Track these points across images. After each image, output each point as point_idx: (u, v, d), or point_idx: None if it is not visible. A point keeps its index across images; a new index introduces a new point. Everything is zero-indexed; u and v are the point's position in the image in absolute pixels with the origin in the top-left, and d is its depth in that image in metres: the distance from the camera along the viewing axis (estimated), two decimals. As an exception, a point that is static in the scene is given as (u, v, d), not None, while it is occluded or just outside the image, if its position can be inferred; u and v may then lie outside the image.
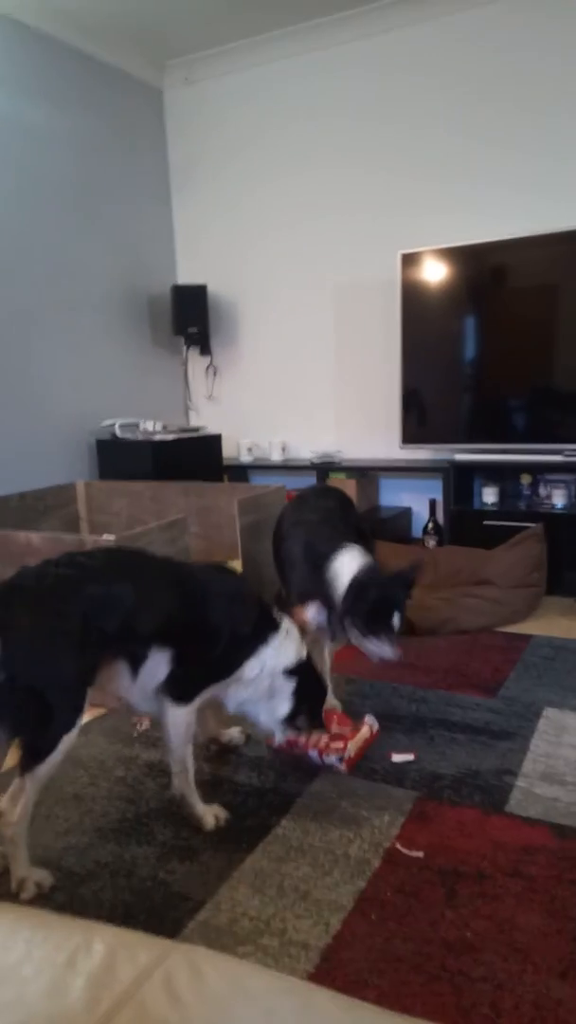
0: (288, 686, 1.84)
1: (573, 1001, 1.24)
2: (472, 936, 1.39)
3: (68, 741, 1.52)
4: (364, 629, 1.97)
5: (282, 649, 1.82)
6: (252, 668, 1.78)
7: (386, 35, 3.82)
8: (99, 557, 1.69)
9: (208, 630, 1.73)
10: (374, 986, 1.29)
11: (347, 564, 2.04)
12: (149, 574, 1.71)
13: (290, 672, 1.83)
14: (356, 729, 2.06)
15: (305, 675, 1.86)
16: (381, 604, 1.96)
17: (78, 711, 1.54)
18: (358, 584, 1.98)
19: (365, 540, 2.35)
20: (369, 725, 2.10)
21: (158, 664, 1.67)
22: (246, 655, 1.77)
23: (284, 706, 1.85)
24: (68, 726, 1.52)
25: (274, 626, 1.84)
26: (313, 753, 1.98)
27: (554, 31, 3.47)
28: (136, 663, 1.65)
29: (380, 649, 1.98)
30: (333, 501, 2.46)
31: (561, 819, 1.73)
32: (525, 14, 3.51)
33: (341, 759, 1.95)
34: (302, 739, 1.99)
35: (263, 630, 1.81)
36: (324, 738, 1.99)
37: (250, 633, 1.78)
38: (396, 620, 1.97)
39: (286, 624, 1.87)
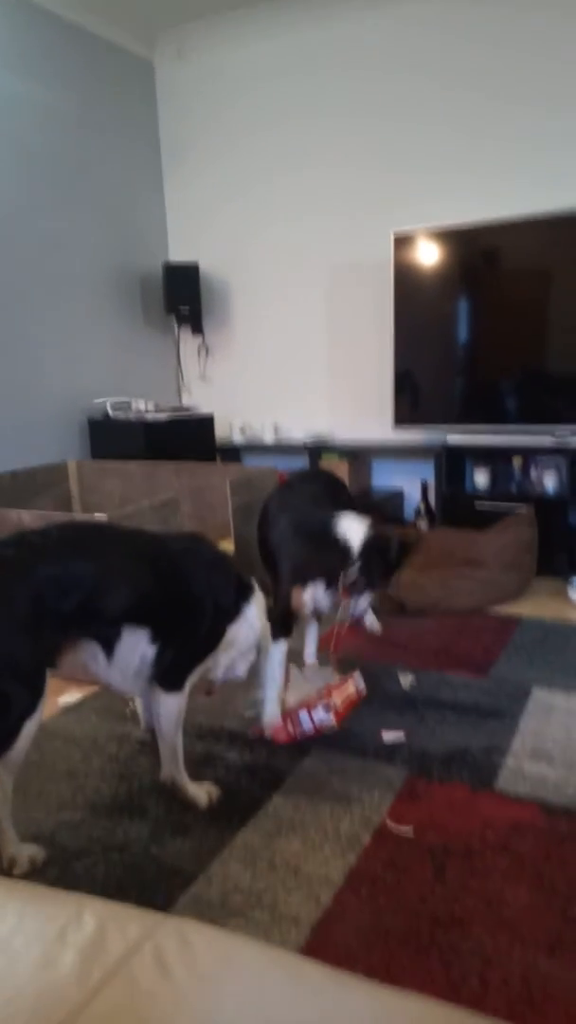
0: (255, 640, 1.88)
1: (560, 975, 1.25)
2: (461, 911, 1.41)
3: (32, 725, 1.46)
4: (368, 583, 2.06)
5: (263, 605, 1.86)
6: (237, 631, 1.79)
7: (384, 8, 3.75)
8: (52, 535, 1.59)
9: (190, 605, 1.68)
10: (364, 960, 1.30)
11: (355, 525, 2.07)
12: (113, 549, 1.63)
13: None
14: (341, 682, 2.08)
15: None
16: (397, 560, 2.05)
17: (37, 695, 1.47)
18: (375, 540, 2.03)
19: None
20: (355, 682, 2.12)
21: (135, 644, 1.62)
22: (229, 621, 1.77)
23: (249, 658, 1.90)
24: (29, 711, 1.45)
25: (249, 586, 1.85)
26: (303, 716, 1.97)
27: (550, 15, 3.41)
28: (108, 644, 1.60)
29: (363, 603, 2.11)
30: (320, 485, 2.43)
31: (549, 796, 1.75)
32: (524, -12, 3.46)
33: (328, 707, 1.96)
34: (289, 707, 2.01)
35: (243, 592, 1.82)
36: (312, 696, 2.02)
37: (232, 600, 1.78)
38: (389, 584, 2.12)
39: (254, 583, 1.89)
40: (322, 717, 1.97)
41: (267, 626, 1.92)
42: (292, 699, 2.08)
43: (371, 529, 2.07)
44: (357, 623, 2.19)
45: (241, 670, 1.90)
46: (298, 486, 2.42)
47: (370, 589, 2.13)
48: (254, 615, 1.83)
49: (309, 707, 1.98)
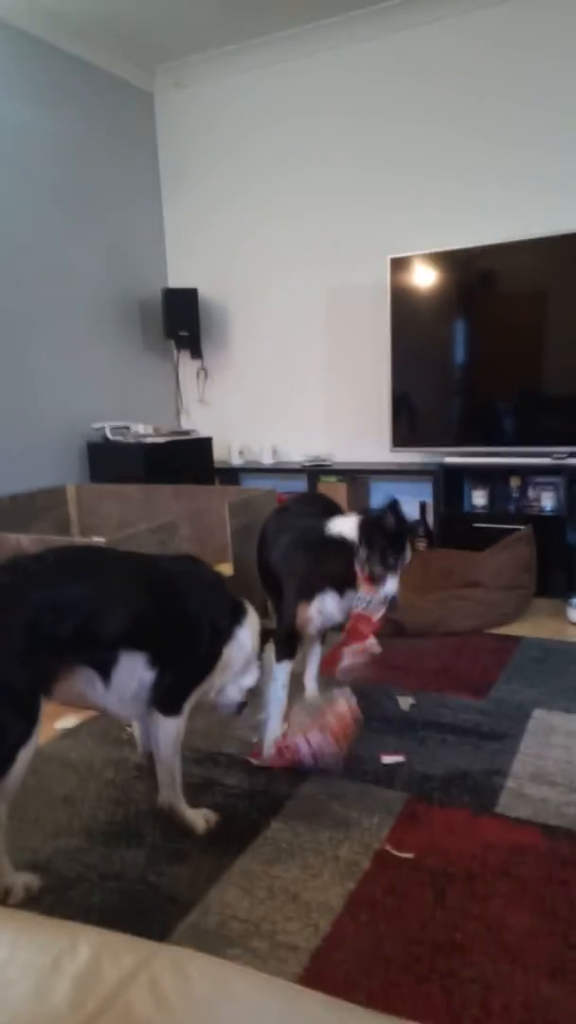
0: (252, 658, 1.85)
1: (562, 1001, 1.24)
2: (462, 937, 1.39)
3: (27, 753, 1.44)
4: (381, 564, 2.00)
5: (254, 626, 1.84)
6: (232, 652, 1.78)
7: (375, 41, 3.84)
8: (48, 559, 1.57)
9: (186, 627, 1.67)
10: (363, 988, 1.28)
11: (345, 520, 2.08)
12: (109, 573, 1.61)
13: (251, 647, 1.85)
14: (332, 702, 2.02)
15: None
16: (397, 535, 2.00)
17: (31, 723, 1.45)
18: (369, 520, 2.02)
19: None
20: (347, 699, 2.03)
21: (133, 669, 1.60)
22: (225, 643, 1.76)
23: (250, 677, 1.88)
24: (23, 739, 1.43)
25: (242, 606, 1.85)
26: (301, 742, 1.93)
27: (541, 38, 3.49)
28: (105, 669, 1.57)
29: (391, 585, 2.02)
30: (317, 507, 2.41)
31: (550, 819, 1.73)
32: (513, 21, 3.53)
33: (324, 728, 1.93)
34: (285, 734, 1.98)
35: (236, 613, 1.81)
36: (305, 724, 1.98)
37: (227, 622, 1.77)
38: (408, 553, 2.03)
39: (246, 603, 1.88)
40: (320, 744, 1.93)
41: (267, 647, 1.91)
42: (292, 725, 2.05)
43: (362, 514, 2.07)
44: (391, 607, 2.08)
45: (233, 695, 1.87)
46: (295, 508, 2.42)
47: (389, 568, 2.03)
48: (246, 636, 1.82)
49: (305, 732, 1.95)
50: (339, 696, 2.06)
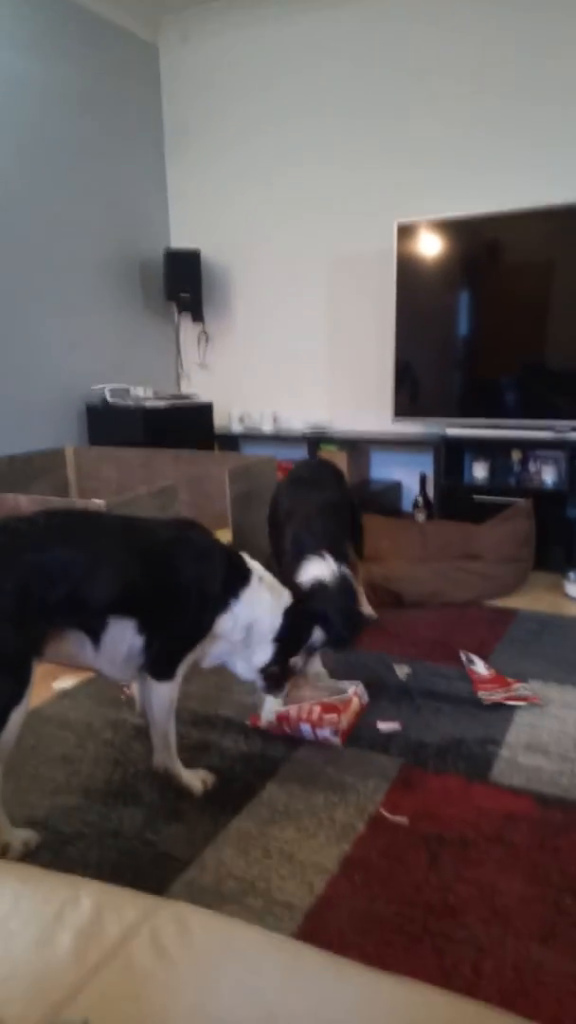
0: (267, 635, 1.80)
1: (552, 964, 1.26)
2: (455, 900, 1.41)
3: (18, 715, 1.45)
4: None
5: (256, 599, 1.77)
6: (225, 623, 1.74)
7: (390, -5, 3.72)
8: (40, 522, 1.56)
9: (177, 593, 1.65)
10: (357, 946, 1.30)
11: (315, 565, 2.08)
12: (101, 537, 1.60)
13: (271, 624, 1.80)
14: (347, 701, 2.03)
15: (288, 621, 1.82)
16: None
17: (23, 684, 1.45)
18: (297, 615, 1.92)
19: (352, 530, 2.39)
20: (358, 696, 2.09)
21: (122, 634, 1.60)
22: (217, 612, 1.72)
23: (262, 655, 1.82)
24: (15, 699, 1.44)
25: (245, 577, 1.78)
26: (306, 728, 1.95)
27: (549, 12, 3.39)
28: (95, 634, 1.57)
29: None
30: (328, 486, 2.54)
31: (544, 788, 1.75)
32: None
33: (335, 731, 1.92)
34: (292, 713, 1.96)
35: (233, 584, 1.76)
36: (317, 710, 1.96)
37: (220, 590, 1.72)
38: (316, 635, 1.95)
39: (257, 571, 1.82)
40: (327, 737, 1.93)
41: (280, 594, 1.85)
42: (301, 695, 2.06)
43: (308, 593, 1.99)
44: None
45: (244, 672, 1.85)
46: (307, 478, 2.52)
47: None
48: (245, 608, 1.75)
49: (314, 723, 1.94)
50: (352, 693, 2.07)
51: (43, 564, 1.48)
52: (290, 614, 1.82)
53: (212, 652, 1.80)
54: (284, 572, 2.15)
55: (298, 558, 2.13)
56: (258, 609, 1.78)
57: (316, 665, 2.23)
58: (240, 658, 1.83)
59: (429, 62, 3.71)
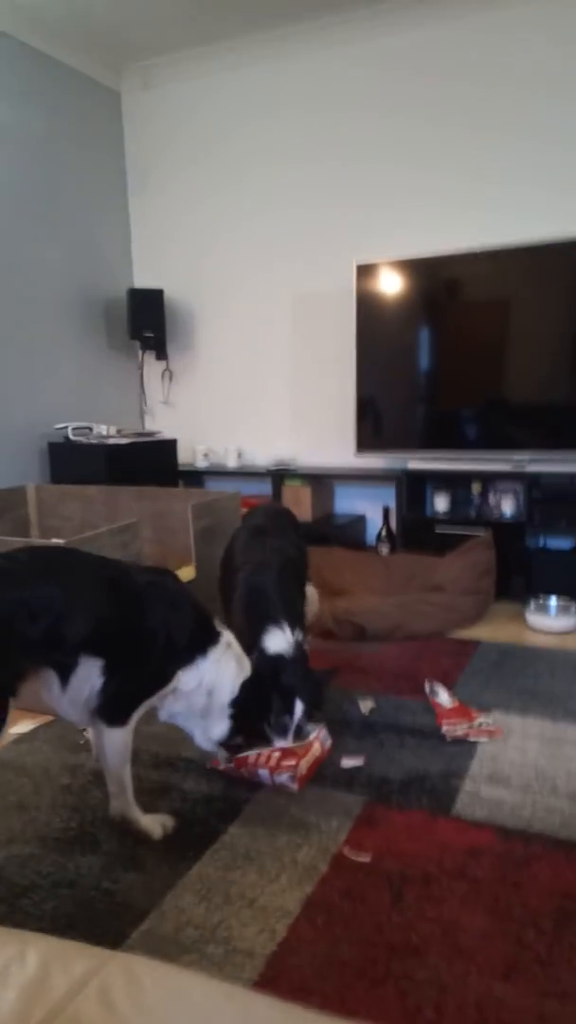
0: (226, 708, 1.79)
1: (515, 1001, 1.25)
2: (417, 939, 1.40)
3: None
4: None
5: (222, 664, 1.77)
6: (188, 680, 1.72)
7: (347, 46, 3.87)
8: (21, 559, 1.57)
9: (142, 638, 1.64)
10: (319, 991, 1.28)
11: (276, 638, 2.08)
12: (80, 576, 1.60)
13: (231, 694, 1.79)
14: (307, 746, 1.99)
15: (247, 696, 1.82)
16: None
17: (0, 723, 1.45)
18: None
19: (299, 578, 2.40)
20: (321, 741, 2.05)
21: (89, 673, 1.58)
22: (181, 665, 1.70)
23: (220, 727, 1.82)
24: None
25: (214, 638, 1.79)
26: (263, 773, 1.91)
27: (510, 51, 3.55)
28: (65, 673, 1.56)
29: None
30: (287, 538, 2.53)
31: (506, 821, 1.75)
32: (483, 33, 3.59)
33: (293, 777, 1.89)
34: (251, 758, 1.93)
35: (201, 640, 1.75)
36: (276, 756, 1.93)
37: (187, 642, 1.71)
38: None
39: (226, 637, 1.83)
40: (284, 782, 1.89)
41: (243, 664, 1.85)
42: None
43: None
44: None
45: (201, 742, 1.84)
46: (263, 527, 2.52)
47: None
48: (210, 669, 1.74)
49: (272, 769, 1.90)
50: (314, 737, 2.02)
51: (26, 600, 1.48)
52: (247, 688, 1.82)
53: (170, 708, 1.78)
54: (237, 629, 2.13)
55: (256, 625, 2.10)
56: (223, 675, 1.78)
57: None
58: (198, 727, 1.82)
59: (386, 105, 3.85)
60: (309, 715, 2.01)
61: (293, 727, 1.97)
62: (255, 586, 2.24)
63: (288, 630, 2.09)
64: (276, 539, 2.48)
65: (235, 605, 2.26)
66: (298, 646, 2.08)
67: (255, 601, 2.19)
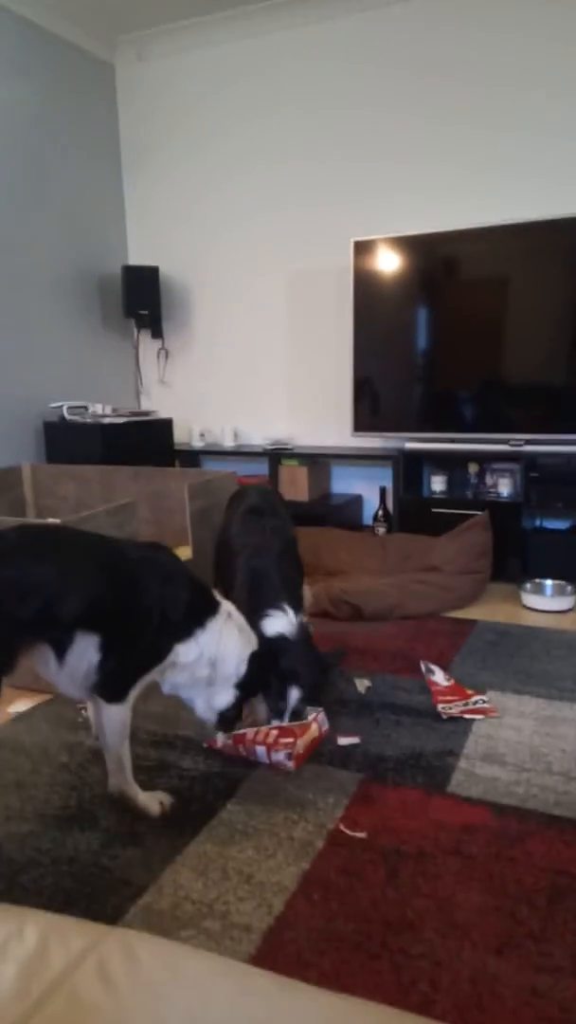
0: (231, 677, 1.80)
1: (508, 976, 1.27)
2: (412, 914, 1.41)
3: None
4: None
5: (224, 635, 1.77)
6: (187, 652, 1.72)
7: (343, 19, 3.80)
8: (12, 538, 1.56)
9: (138, 613, 1.64)
10: (315, 966, 1.29)
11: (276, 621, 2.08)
12: (71, 554, 1.60)
13: (237, 665, 1.79)
14: (305, 726, 2.00)
15: (255, 667, 1.83)
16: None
17: None
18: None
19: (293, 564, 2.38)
20: (319, 723, 2.05)
21: (86, 649, 1.58)
22: (178, 638, 1.70)
23: (224, 697, 1.82)
24: None
25: (212, 609, 1.78)
26: (260, 750, 1.92)
27: (508, 33, 3.49)
28: (61, 649, 1.56)
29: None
30: (281, 519, 2.52)
31: (500, 798, 1.77)
32: (481, 18, 3.52)
33: (290, 755, 1.89)
34: (249, 735, 1.94)
35: (199, 613, 1.75)
36: (274, 733, 1.94)
37: (183, 615, 1.71)
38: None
39: (226, 607, 1.82)
40: (281, 760, 1.90)
41: (247, 635, 1.86)
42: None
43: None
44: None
45: (203, 711, 1.84)
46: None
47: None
48: (210, 641, 1.74)
49: (269, 746, 1.91)
50: (312, 719, 2.03)
51: (16, 580, 1.48)
52: (255, 661, 1.83)
53: (172, 680, 1.78)
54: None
55: (257, 608, 2.09)
56: (225, 645, 1.78)
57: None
58: (200, 696, 1.81)
59: (386, 81, 3.79)
60: (312, 699, 2.01)
61: (288, 712, 1.98)
62: (257, 569, 2.23)
63: (291, 612, 2.09)
64: (272, 520, 2.47)
65: (237, 590, 2.25)
66: (302, 628, 2.08)
67: (257, 585, 2.19)
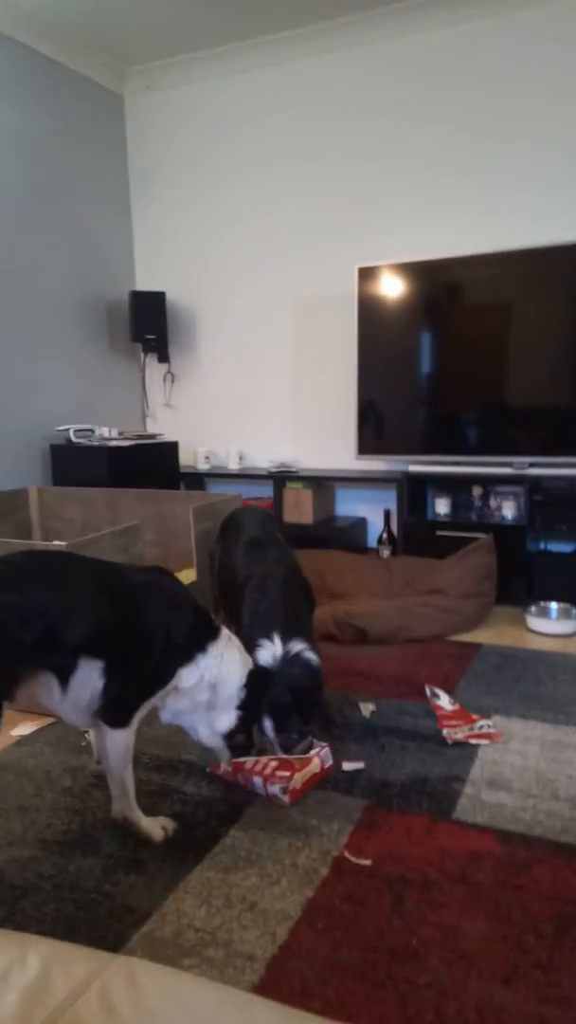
0: (233, 699, 1.80)
1: (515, 1007, 1.25)
2: (418, 943, 1.39)
3: None
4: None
5: (224, 658, 1.77)
6: (189, 677, 1.72)
7: (348, 49, 3.88)
8: (17, 562, 1.57)
9: (141, 638, 1.64)
10: (319, 995, 1.28)
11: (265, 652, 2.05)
12: (76, 578, 1.61)
13: (238, 686, 1.79)
14: (306, 761, 1.95)
15: (254, 687, 1.83)
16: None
17: None
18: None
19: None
20: (321, 759, 1.99)
21: (89, 675, 1.58)
22: (181, 663, 1.71)
23: (226, 719, 1.82)
24: None
25: (213, 633, 1.79)
26: (257, 781, 1.89)
27: (511, 56, 3.56)
28: (64, 675, 1.56)
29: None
30: (280, 547, 2.51)
31: (506, 825, 1.75)
32: (484, 34, 3.60)
33: (285, 790, 1.85)
34: (248, 764, 1.92)
35: (200, 637, 1.75)
36: (272, 765, 1.91)
37: (186, 640, 1.71)
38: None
39: (226, 633, 1.83)
40: (276, 794, 1.86)
41: (246, 658, 1.85)
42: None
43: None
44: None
45: (205, 735, 1.83)
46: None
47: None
48: (211, 665, 1.74)
49: (265, 778, 1.88)
50: (315, 754, 1.97)
51: (20, 604, 1.48)
52: (253, 679, 1.83)
53: (173, 706, 1.78)
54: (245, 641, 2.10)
55: (251, 639, 2.06)
56: (227, 668, 1.78)
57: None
58: (202, 721, 1.81)
59: (389, 110, 3.86)
60: (289, 729, 1.96)
61: (273, 742, 1.95)
62: (259, 600, 2.21)
63: (278, 642, 2.03)
64: (274, 549, 2.46)
65: (243, 620, 2.23)
66: (291, 659, 2.01)
67: (256, 615, 2.16)
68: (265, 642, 2.05)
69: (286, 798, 1.86)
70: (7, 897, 1.54)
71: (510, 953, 1.37)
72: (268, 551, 2.44)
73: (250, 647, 2.02)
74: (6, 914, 1.49)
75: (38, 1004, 0.83)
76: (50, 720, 2.33)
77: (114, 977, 0.89)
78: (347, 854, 1.66)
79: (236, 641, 1.86)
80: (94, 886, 1.57)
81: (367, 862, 1.63)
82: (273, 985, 1.30)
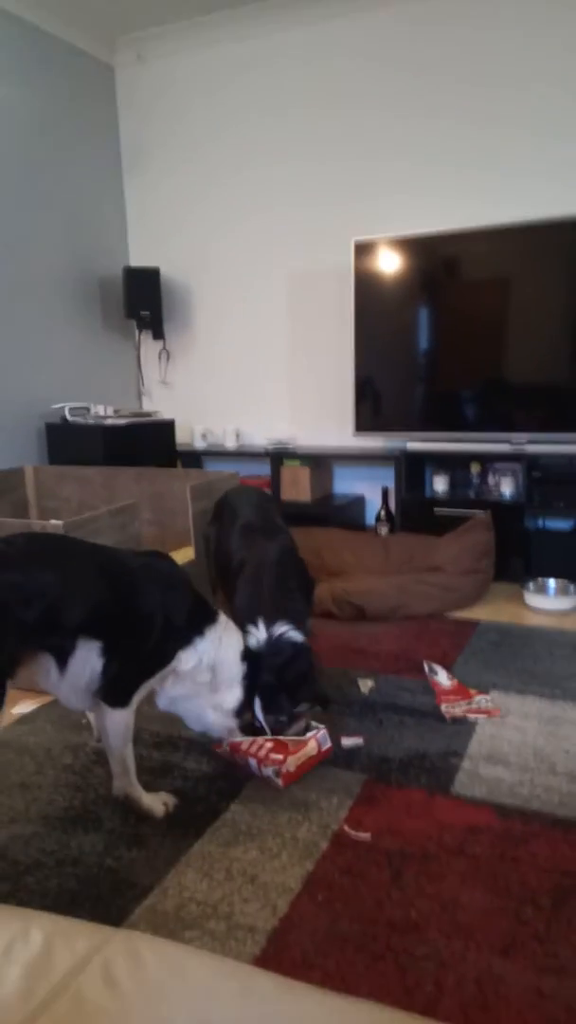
0: (236, 676, 1.81)
1: (513, 977, 1.27)
2: (417, 915, 1.41)
3: None
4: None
5: (223, 642, 1.79)
6: (188, 659, 1.73)
7: (342, 18, 3.80)
8: (18, 543, 1.58)
9: (140, 620, 1.65)
10: (319, 967, 1.29)
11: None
12: (75, 561, 1.62)
13: (240, 663, 1.81)
14: (301, 743, 1.92)
15: (255, 662, 1.84)
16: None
17: None
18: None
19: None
20: (318, 741, 1.95)
21: (87, 657, 1.59)
22: (180, 645, 1.72)
23: (233, 696, 1.83)
24: None
25: (211, 617, 1.81)
26: (252, 762, 1.88)
27: (507, 35, 3.49)
28: (63, 656, 1.57)
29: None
30: (278, 528, 2.50)
31: (504, 799, 1.77)
32: (483, 17, 3.52)
33: (278, 772, 1.83)
34: (244, 744, 1.90)
35: (199, 620, 1.77)
36: (266, 747, 1.88)
37: (184, 623, 1.73)
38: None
39: (224, 617, 1.85)
40: (269, 776, 1.84)
41: (236, 657, 1.86)
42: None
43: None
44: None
45: (215, 720, 1.83)
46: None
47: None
48: (208, 648, 1.75)
49: (260, 759, 1.86)
50: (311, 737, 1.94)
51: (21, 584, 1.49)
52: (250, 656, 1.86)
53: (172, 692, 1.78)
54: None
55: (244, 624, 2.05)
56: (225, 651, 1.80)
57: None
58: (209, 704, 1.82)
59: (386, 81, 3.79)
60: (278, 710, 1.94)
61: (264, 722, 1.94)
62: (248, 587, 2.21)
63: (262, 627, 2.01)
64: (267, 531, 2.45)
65: (237, 604, 2.23)
66: (275, 642, 1.99)
67: (250, 599, 2.16)
68: (251, 628, 2.04)
69: (279, 781, 1.84)
70: (10, 873, 1.55)
71: (508, 925, 1.38)
72: (260, 534, 2.43)
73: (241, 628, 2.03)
74: (9, 889, 1.50)
75: (41, 978, 0.84)
76: (50, 698, 2.34)
77: (116, 951, 0.89)
78: (347, 828, 1.67)
79: (234, 626, 1.88)
80: (96, 861, 1.58)
81: (366, 836, 1.64)
82: (274, 957, 1.31)
